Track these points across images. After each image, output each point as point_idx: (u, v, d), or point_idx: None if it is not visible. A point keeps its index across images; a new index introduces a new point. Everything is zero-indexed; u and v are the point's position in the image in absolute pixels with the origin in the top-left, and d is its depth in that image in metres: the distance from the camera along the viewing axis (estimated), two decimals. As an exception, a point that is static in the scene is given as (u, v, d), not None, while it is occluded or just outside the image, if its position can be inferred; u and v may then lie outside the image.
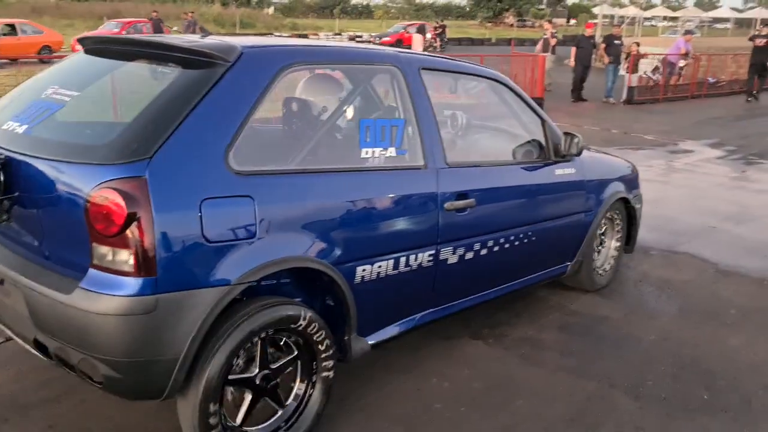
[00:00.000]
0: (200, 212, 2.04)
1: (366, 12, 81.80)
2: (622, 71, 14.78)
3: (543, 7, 73.82)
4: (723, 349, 3.43)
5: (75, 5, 51.20)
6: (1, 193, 2.21)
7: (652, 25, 58.36)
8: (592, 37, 14.11)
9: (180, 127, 2.07)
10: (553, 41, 13.76)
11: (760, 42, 14.99)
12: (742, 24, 58.48)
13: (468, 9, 77.00)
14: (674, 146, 9.60)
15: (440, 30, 32.32)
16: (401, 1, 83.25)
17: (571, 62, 14.02)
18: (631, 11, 58.98)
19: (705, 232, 5.42)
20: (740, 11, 60.77)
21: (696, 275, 4.45)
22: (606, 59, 13.84)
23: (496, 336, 3.47)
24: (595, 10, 60.67)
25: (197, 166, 2.09)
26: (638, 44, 15.97)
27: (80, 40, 2.80)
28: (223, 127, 2.16)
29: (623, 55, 14.79)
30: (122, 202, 1.94)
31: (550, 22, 16.14)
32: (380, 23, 53.09)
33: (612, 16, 43.92)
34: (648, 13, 61.64)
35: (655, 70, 16.31)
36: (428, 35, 31.22)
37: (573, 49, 14.07)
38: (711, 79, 17.90)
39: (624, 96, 14.34)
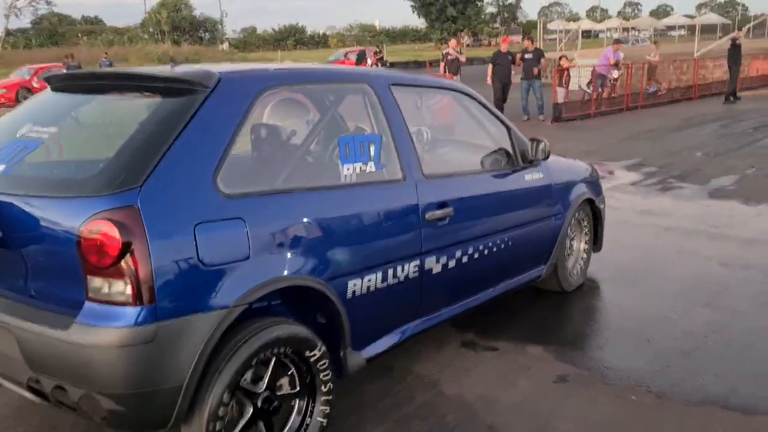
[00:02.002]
0: (194, 237, 2.04)
1: (322, 41, 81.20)
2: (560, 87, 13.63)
3: (497, 25, 73.79)
4: None
5: (18, 53, 49.62)
6: None
7: (610, 37, 58.30)
8: (510, 52, 12.88)
9: (167, 155, 2.06)
10: (462, 58, 12.50)
11: (727, 44, 14.95)
12: (694, 31, 58.73)
13: (423, 32, 76.59)
14: (588, 171, 8.29)
15: (380, 56, 31.66)
16: (357, 29, 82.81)
17: (488, 80, 12.81)
18: (585, 24, 58.93)
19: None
20: (692, 17, 61.13)
21: (529, 394, 3.01)
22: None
23: None
24: (551, 26, 60.70)
25: (187, 191, 2.09)
26: (566, 57, 14.92)
27: (47, 79, 2.81)
28: (209, 151, 2.17)
29: (544, 69, 13.62)
30: (116, 232, 1.92)
31: (454, 39, 14.86)
32: (336, 52, 52.34)
33: (556, 31, 43.46)
34: (602, 25, 61.67)
35: (590, 82, 15.22)
36: (369, 60, 30.40)
37: (489, 67, 12.88)
38: (651, 89, 16.89)
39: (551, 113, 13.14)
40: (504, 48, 13.00)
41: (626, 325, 3.72)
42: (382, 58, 31.90)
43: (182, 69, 2.53)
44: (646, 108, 15.31)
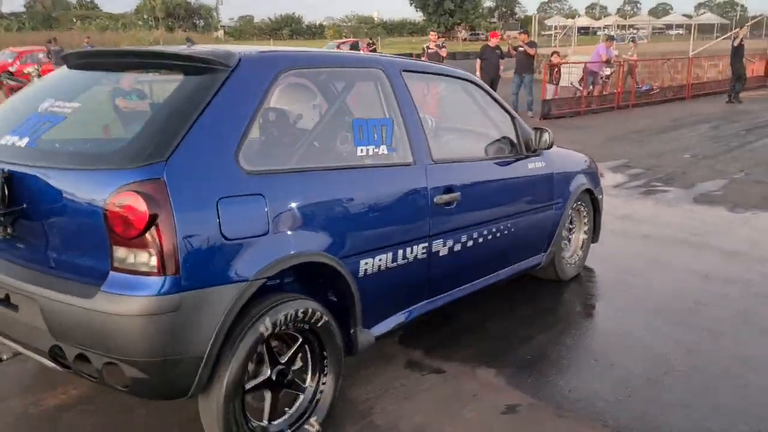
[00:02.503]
0: (217, 211, 2.09)
1: (319, 32, 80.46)
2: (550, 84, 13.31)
3: (495, 20, 73.28)
4: None
5: (10, 36, 48.79)
6: (6, 206, 2.20)
7: (607, 34, 57.98)
8: (498, 47, 12.50)
9: (191, 131, 2.11)
10: (443, 52, 12.09)
11: (722, 45, 14.69)
12: (691, 30, 58.37)
13: (421, 25, 76.05)
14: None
15: (373, 47, 31.33)
16: (354, 20, 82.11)
17: (477, 74, 12.42)
18: (583, 21, 58.48)
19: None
20: (690, 17, 60.79)
21: (472, 428, 2.66)
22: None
23: None
24: (548, 23, 60.21)
25: (211, 167, 2.14)
26: (558, 53, 14.58)
27: (64, 57, 2.82)
28: (231, 129, 2.22)
29: (536, 64, 13.27)
30: (143, 205, 1.96)
31: (433, 32, 14.37)
32: (328, 43, 51.78)
33: (553, 27, 43.14)
34: (600, 23, 61.22)
35: (582, 79, 14.87)
36: (361, 52, 30.09)
37: (478, 62, 12.50)
38: (643, 87, 16.57)
39: (540, 110, 12.80)
40: (492, 43, 12.59)
41: (590, 345, 3.40)
42: (375, 50, 31.68)
43: (199, 48, 2.60)
44: (637, 107, 14.99)
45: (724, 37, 24.93)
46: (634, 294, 4.06)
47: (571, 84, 15.22)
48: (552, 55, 14.12)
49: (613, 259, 4.67)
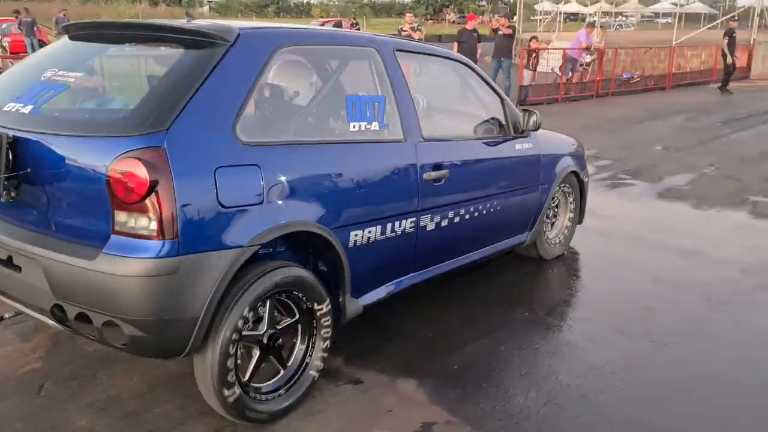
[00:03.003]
0: (215, 179, 2.16)
1: (306, 11, 79.28)
2: (527, 69, 13.03)
3: (483, 3, 72.56)
4: None
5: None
6: (10, 170, 2.26)
7: (588, 20, 57.35)
8: (475, 30, 12.17)
9: (191, 102, 2.18)
10: (416, 35, 11.75)
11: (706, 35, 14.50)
12: (679, 19, 58.04)
13: (409, 6, 75.16)
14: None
15: (357, 27, 30.86)
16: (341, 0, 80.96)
17: (453, 60, 12.09)
18: (573, 7, 57.93)
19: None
20: (682, 5, 60.40)
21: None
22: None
23: None
24: (538, 7, 59.58)
25: (209, 137, 2.22)
26: (537, 38, 14.28)
27: (65, 28, 2.90)
28: (229, 101, 2.30)
29: (515, 50, 12.98)
30: (144, 171, 2.03)
31: (410, 13, 13.96)
32: (312, 21, 50.97)
33: (542, 12, 42.61)
34: (588, 9, 60.71)
35: (562, 66, 14.60)
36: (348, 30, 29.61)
37: (455, 45, 12.17)
38: (625, 75, 16.35)
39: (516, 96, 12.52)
40: (470, 26, 12.24)
41: (524, 354, 3.15)
42: (358, 30, 31.22)
43: (200, 23, 2.67)
44: (617, 96, 14.78)
45: (709, 26, 24.72)
46: (579, 297, 3.84)
47: (552, 70, 14.95)
48: (531, 40, 13.82)
49: (564, 258, 4.45)
